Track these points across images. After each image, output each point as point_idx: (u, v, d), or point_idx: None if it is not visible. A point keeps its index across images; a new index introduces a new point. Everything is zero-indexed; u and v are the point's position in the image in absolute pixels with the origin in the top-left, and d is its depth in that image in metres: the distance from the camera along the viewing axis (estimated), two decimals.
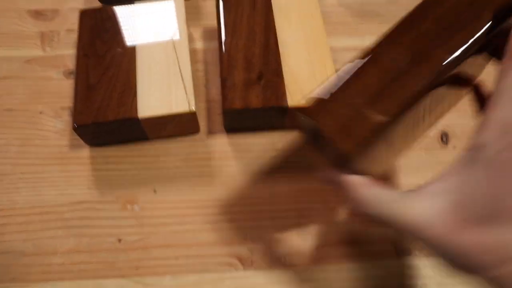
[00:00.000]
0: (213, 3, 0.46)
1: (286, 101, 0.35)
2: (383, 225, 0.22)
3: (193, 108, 0.34)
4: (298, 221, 0.35)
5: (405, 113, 0.23)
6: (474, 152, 0.19)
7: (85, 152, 0.37)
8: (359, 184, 0.23)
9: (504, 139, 0.18)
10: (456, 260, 0.19)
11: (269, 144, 0.38)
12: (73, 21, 0.45)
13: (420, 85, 0.22)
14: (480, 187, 0.18)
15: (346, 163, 0.23)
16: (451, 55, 0.22)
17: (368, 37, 0.45)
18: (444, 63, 0.22)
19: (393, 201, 0.21)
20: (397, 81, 0.23)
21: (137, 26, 0.38)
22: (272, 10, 0.40)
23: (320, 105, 0.24)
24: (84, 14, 0.39)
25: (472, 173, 0.19)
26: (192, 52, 0.43)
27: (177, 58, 0.36)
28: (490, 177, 0.18)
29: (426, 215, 0.19)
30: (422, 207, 0.20)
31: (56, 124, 0.39)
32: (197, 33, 0.44)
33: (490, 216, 0.18)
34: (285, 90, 0.35)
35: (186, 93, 0.35)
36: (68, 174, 0.36)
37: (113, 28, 0.38)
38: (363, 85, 0.23)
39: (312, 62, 0.37)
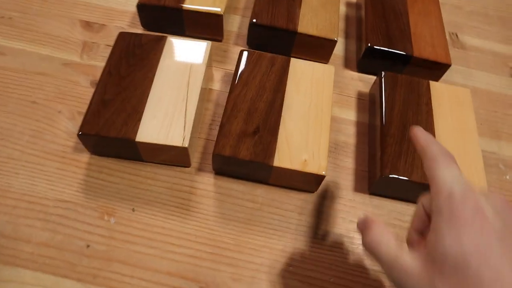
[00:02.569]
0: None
1: (273, 160, 0.37)
2: (378, 264, 0.27)
3: (186, 144, 0.37)
4: (253, 276, 0.36)
5: None
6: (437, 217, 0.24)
7: (85, 157, 0.41)
8: (370, 228, 0.27)
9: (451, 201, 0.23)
10: None
11: (251, 194, 0.40)
12: (114, 38, 0.49)
13: None
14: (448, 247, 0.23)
15: None
16: None
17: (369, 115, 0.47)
18: None
19: (391, 248, 0.26)
20: None
21: (163, 58, 0.42)
22: (287, 73, 0.42)
23: None
24: (121, 36, 0.44)
25: (443, 233, 0.23)
26: (208, 92, 0.46)
27: (187, 95, 0.39)
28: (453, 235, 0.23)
29: (414, 267, 0.24)
30: (412, 259, 0.25)
31: (68, 125, 0.42)
32: (218, 75, 0.48)
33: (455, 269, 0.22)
34: (275, 150, 0.37)
35: (184, 129, 0.37)
36: (64, 173, 0.40)
37: (141, 54, 0.42)
38: None
39: (308, 130, 0.39)
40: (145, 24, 0.50)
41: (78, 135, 0.37)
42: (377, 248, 0.26)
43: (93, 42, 0.49)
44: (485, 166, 0.43)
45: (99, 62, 0.47)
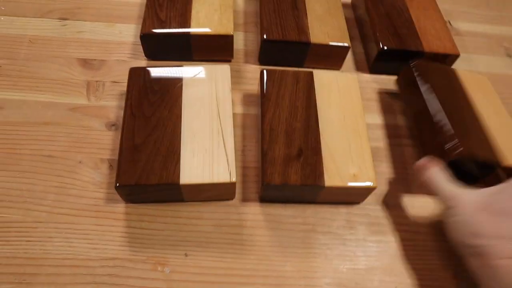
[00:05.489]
0: (254, 68, 0.49)
1: (324, 180, 0.36)
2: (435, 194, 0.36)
3: (233, 179, 0.35)
4: None
5: None
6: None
7: (120, 207, 0.38)
8: (429, 167, 0.37)
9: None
10: (470, 229, 0.32)
11: (301, 217, 0.39)
12: (118, 73, 0.47)
13: None
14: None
15: None
16: None
17: (400, 115, 0.47)
18: None
19: (448, 184, 0.35)
20: None
21: (185, 89, 0.40)
22: (314, 87, 0.42)
23: None
24: (133, 72, 0.41)
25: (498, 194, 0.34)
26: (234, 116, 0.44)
27: (221, 126, 0.38)
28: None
29: (470, 199, 0.34)
30: (469, 193, 0.34)
31: (94, 175, 0.39)
32: (237, 97, 0.46)
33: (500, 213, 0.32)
34: (323, 169, 0.37)
35: (228, 163, 0.36)
36: (102, 228, 0.37)
37: (161, 89, 0.40)
38: None
39: (350, 143, 0.39)
40: (149, 54, 0.47)
41: (116, 187, 0.35)
42: (435, 182, 0.35)
43: (97, 81, 0.46)
44: None
45: (109, 102, 0.44)
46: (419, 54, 0.48)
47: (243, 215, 0.39)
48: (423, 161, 0.38)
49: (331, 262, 0.37)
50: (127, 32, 0.50)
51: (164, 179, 0.35)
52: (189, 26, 0.44)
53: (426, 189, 0.36)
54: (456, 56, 0.49)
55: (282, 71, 0.42)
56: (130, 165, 0.35)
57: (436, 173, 0.36)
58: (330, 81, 0.42)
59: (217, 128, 0.38)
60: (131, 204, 0.38)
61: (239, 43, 0.51)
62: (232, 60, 0.49)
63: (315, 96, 0.41)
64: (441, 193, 0.35)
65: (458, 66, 0.53)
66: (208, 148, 0.37)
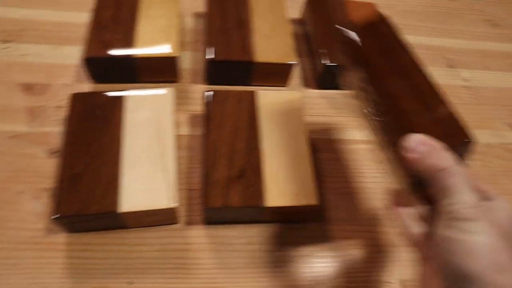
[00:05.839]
0: (201, 88, 0.49)
1: (265, 201, 0.36)
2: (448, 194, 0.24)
3: (173, 205, 0.35)
4: None
5: None
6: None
7: (62, 237, 0.37)
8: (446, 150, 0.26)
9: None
10: (495, 259, 0.22)
11: (246, 237, 0.39)
12: (63, 97, 0.46)
13: None
14: None
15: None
16: None
17: (344, 130, 0.48)
18: None
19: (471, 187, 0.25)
20: None
21: (126, 115, 0.40)
22: (257, 106, 0.42)
23: None
24: (75, 97, 0.41)
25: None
26: (177, 138, 0.44)
27: (163, 150, 0.38)
28: None
29: (495, 218, 0.24)
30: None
31: (35, 206, 0.39)
32: (184, 118, 0.46)
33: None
34: (264, 189, 0.37)
35: (168, 189, 0.36)
36: (42, 261, 0.36)
37: (102, 115, 0.39)
38: None
39: (291, 162, 0.39)
40: (94, 77, 0.47)
41: (52, 219, 0.34)
42: (458, 177, 0.24)
43: (39, 106, 0.45)
44: None
45: (52, 128, 0.43)
46: None
47: (188, 238, 0.39)
48: (428, 138, 0.26)
49: (277, 280, 0.38)
50: (73, 55, 0.50)
51: (104, 208, 0.34)
52: (133, 49, 0.44)
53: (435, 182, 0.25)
54: None
55: (225, 91, 0.43)
56: (69, 195, 0.35)
57: (457, 166, 0.25)
58: (273, 100, 0.43)
59: (159, 152, 0.38)
60: (74, 234, 0.38)
61: (187, 62, 0.51)
62: (180, 80, 0.49)
63: (258, 116, 0.42)
64: (463, 196, 0.24)
65: None
66: (149, 174, 0.36)
